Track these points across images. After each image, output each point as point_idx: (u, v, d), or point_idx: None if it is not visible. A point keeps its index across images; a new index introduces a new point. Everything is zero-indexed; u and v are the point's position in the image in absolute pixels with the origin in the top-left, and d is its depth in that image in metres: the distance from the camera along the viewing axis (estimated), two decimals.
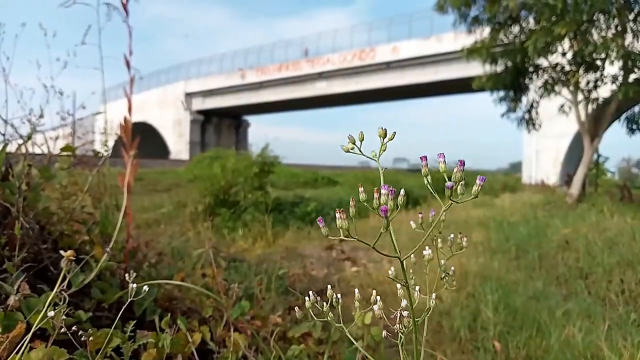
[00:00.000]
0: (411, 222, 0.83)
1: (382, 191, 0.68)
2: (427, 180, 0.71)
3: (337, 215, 0.68)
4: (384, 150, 0.74)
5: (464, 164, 0.68)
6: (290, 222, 9.23)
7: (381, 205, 0.68)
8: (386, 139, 0.73)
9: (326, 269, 5.71)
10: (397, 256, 0.72)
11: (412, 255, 0.80)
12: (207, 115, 41.37)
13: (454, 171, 0.67)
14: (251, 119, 46.98)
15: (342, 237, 0.68)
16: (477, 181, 0.69)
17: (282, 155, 11.24)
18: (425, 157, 0.72)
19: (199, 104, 40.19)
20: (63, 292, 1.02)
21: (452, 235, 0.87)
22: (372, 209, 0.68)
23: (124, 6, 1.83)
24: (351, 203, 0.69)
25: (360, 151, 0.73)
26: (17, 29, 1.82)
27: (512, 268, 5.06)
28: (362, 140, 0.73)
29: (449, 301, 3.75)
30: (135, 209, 1.85)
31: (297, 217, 9.69)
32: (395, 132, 0.73)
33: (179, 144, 40.43)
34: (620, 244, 5.16)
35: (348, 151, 0.73)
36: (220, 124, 43.49)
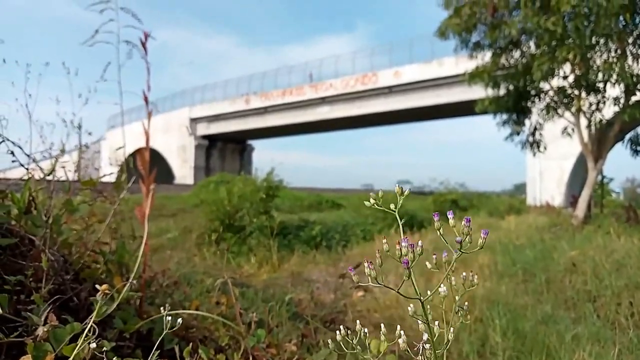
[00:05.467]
0: (427, 263, 0.90)
1: (403, 244, 0.80)
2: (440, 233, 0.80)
3: (366, 264, 0.79)
4: (400, 206, 0.87)
5: (469, 220, 0.78)
6: (296, 246, 9.23)
7: (403, 257, 0.78)
8: (401, 198, 0.87)
9: (333, 294, 5.70)
10: (419, 298, 0.79)
11: (428, 289, 0.86)
12: (212, 140, 41.68)
13: (462, 225, 0.78)
14: (255, 143, 47.33)
15: (370, 284, 0.78)
16: (482, 235, 0.79)
17: (287, 179, 11.31)
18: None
19: (204, 129, 40.55)
20: (92, 323, 1.07)
21: (464, 274, 0.94)
22: (397, 260, 0.79)
23: (143, 45, 1.92)
24: (376, 255, 0.81)
25: (380, 205, 0.87)
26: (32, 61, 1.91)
27: (520, 292, 5.05)
28: (382, 197, 0.87)
29: (457, 326, 3.75)
30: None
31: (303, 241, 9.70)
32: (409, 189, 0.88)
33: (183, 169, 40.66)
34: (628, 266, 5.14)
35: (372, 206, 0.86)
36: (225, 149, 43.76)
